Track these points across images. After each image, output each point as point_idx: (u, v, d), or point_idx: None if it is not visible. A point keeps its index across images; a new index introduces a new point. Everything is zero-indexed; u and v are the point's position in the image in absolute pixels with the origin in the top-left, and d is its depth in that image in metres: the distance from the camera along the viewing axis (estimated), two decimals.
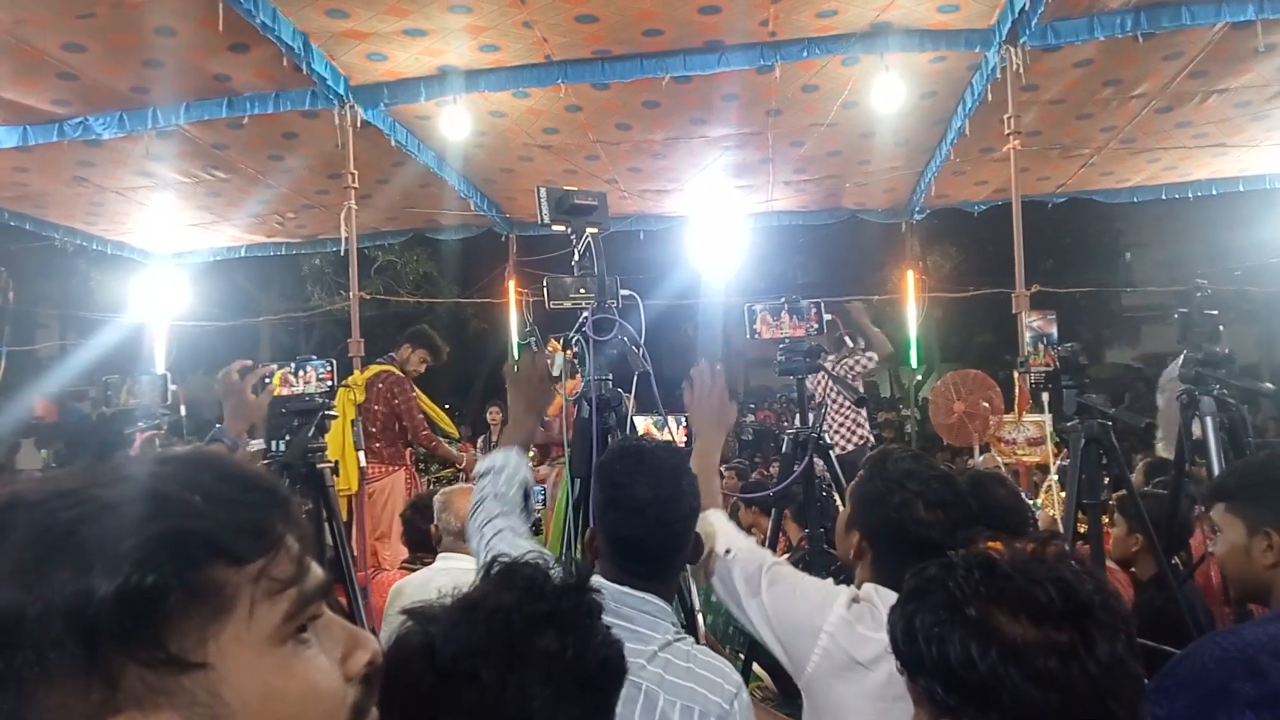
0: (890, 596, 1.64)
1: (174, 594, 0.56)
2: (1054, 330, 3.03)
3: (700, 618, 2.41)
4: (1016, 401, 6.52)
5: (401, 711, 0.99)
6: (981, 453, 7.10)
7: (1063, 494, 3.64)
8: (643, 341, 2.48)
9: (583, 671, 1.00)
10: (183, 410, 3.67)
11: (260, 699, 0.59)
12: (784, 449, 3.09)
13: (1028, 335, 3.10)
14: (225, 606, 0.58)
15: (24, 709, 0.53)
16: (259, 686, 0.59)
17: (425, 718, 0.98)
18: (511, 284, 10.02)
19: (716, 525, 1.94)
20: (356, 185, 6.66)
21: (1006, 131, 5.97)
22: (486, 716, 0.97)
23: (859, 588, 1.74)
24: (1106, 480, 3.00)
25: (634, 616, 1.60)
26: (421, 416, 5.61)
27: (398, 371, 5.69)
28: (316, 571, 0.66)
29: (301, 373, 2.84)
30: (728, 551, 1.86)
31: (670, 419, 2.92)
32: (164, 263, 10.06)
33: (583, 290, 2.44)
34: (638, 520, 1.67)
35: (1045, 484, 4.84)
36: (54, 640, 0.53)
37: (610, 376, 2.50)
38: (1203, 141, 7.72)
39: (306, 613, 0.63)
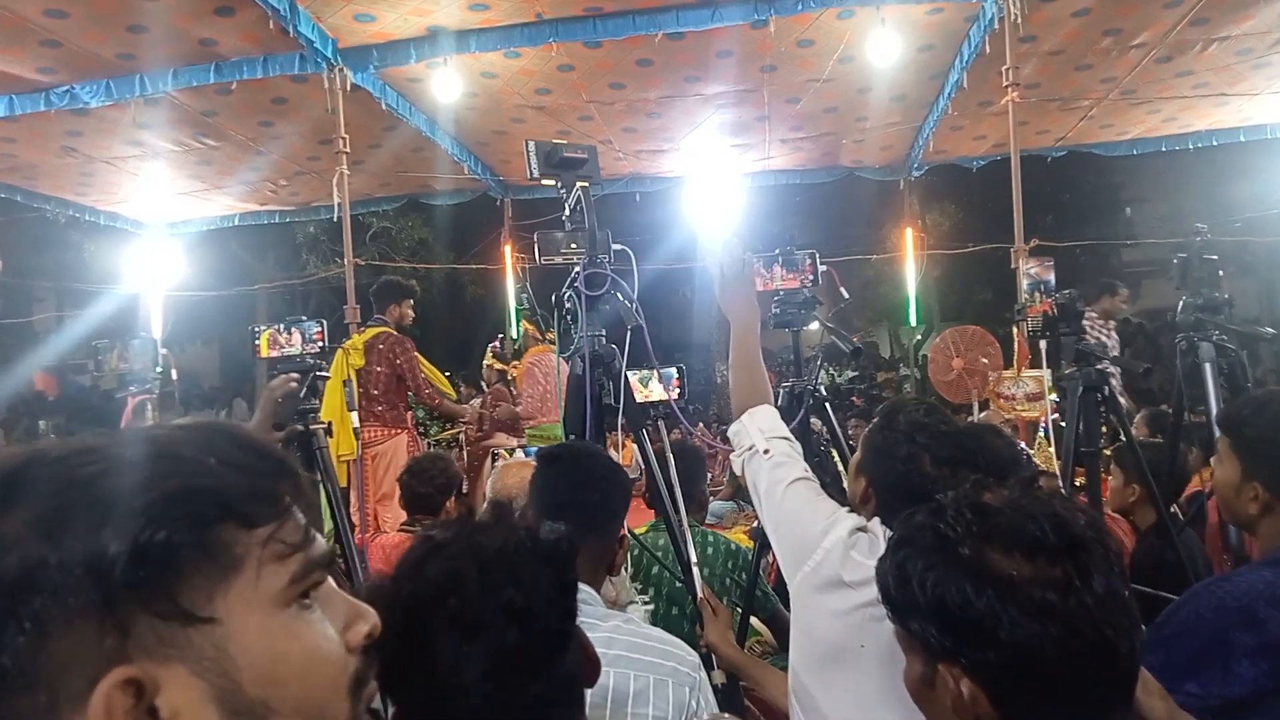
0: None
1: (186, 549, 0.58)
2: (1051, 277, 3.00)
3: (697, 571, 2.41)
4: (1015, 357, 6.50)
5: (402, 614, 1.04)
6: (981, 409, 7.09)
7: (1050, 450, 3.63)
8: (635, 296, 2.45)
9: (541, 546, 1.11)
10: (174, 375, 3.65)
11: (265, 657, 0.61)
12: (779, 402, 3.08)
13: (1025, 283, 3.07)
14: (234, 566, 0.61)
15: (42, 652, 0.55)
16: (264, 645, 0.61)
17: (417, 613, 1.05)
18: (507, 248, 9.98)
19: (761, 423, 1.95)
20: (348, 150, 6.61)
21: (1005, 84, 5.91)
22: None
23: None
24: (1104, 429, 2.99)
25: None
26: (424, 376, 5.61)
27: (395, 332, 5.66)
28: (321, 542, 0.68)
29: (291, 333, 2.82)
30: (766, 451, 1.88)
31: (657, 374, 2.89)
32: (158, 233, 10.02)
33: (574, 245, 2.42)
34: (569, 493, 1.80)
35: (1036, 439, 4.83)
36: (73, 588, 0.55)
37: (604, 332, 2.48)
38: (1203, 91, 7.63)
39: (311, 578, 0.66)
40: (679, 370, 3.08)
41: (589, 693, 1.41)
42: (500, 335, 8.15)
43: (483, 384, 8.33)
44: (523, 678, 1.05)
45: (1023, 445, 4.45)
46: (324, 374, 2.87)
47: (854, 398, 12.64)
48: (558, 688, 1.09)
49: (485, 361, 7.27)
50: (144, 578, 0.56)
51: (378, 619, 0.71)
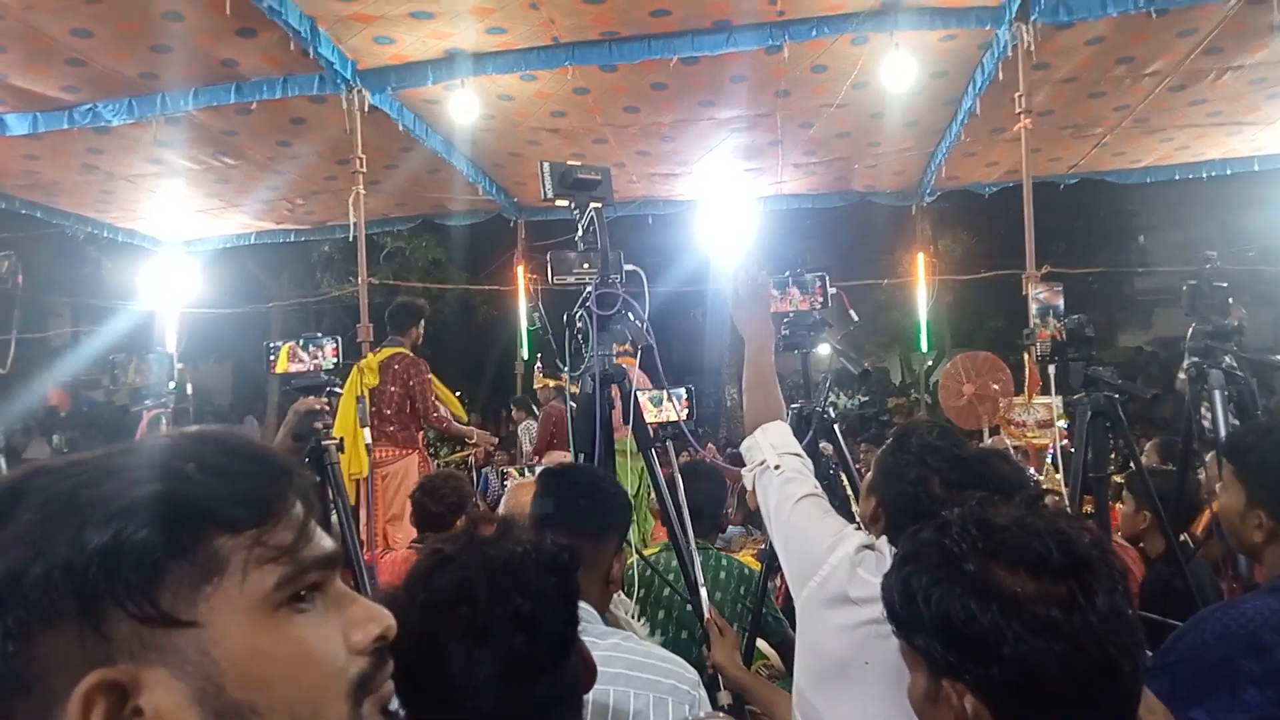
0: None
1: (160, 550, 0.59)
2: (1060, 302, 3.00)
3: (704, 593, 2.41)
4: (1026, 384, 6.49)
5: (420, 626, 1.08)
6: (991, 435, 7.08)
7: (1058, 476, 3.61)
8: (647, 316, 2.47)
9: (544, 557, 1.16)
10: (189, 390, 3.68)
11: (249, 660, 0.61)
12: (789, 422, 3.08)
13: (1034, 308, 3.07)
14: (217, 570, 0.61)
15: (30, 655, 0.57)
16: (249, 648, 0.62)
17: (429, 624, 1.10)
18: (520, 269, 10.03)
19: (773, 439, 1.96)
20: (365, 170, 6.68)
21: (1018, 110, 5.93)
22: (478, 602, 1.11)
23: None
24: (1113, 455, 2.98)
25: None
26: (435, 398, 5.65)
27: (411, 354, 5.72)
28: (321, 542, 0.68)
29: (309, 349, 2.85)
30: (777, 467, 1.90)
31: (668, 394, 2.91)
32: (175, 250, 10.11)
33: (586, 265, 2.44)
34: (565, 500, 1.85)
35: (1045, 466, 4.81)
36: (52, 593, 0.57)
37: (615, 352, 2.50)
38: (1217, 120, 7.64)
39: (303, 580, 0.66)
40: (688, 390, 3.09)
41: (589, 711, 1.42)
42: (540, 355, 8.25)
43: (533, 406, 8.41)
44: (530, 681, 1.09)
45: (1032, 471, 4.44)
46: (337, 390, 2.90)
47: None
48: (561, 691, 1.13)
49: (536, 385, 7.39)
50: (117, 581, 0.58)
51: (392, 621, 0.71)
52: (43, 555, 0.57)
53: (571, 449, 2.56)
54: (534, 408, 9.22)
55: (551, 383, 7.25)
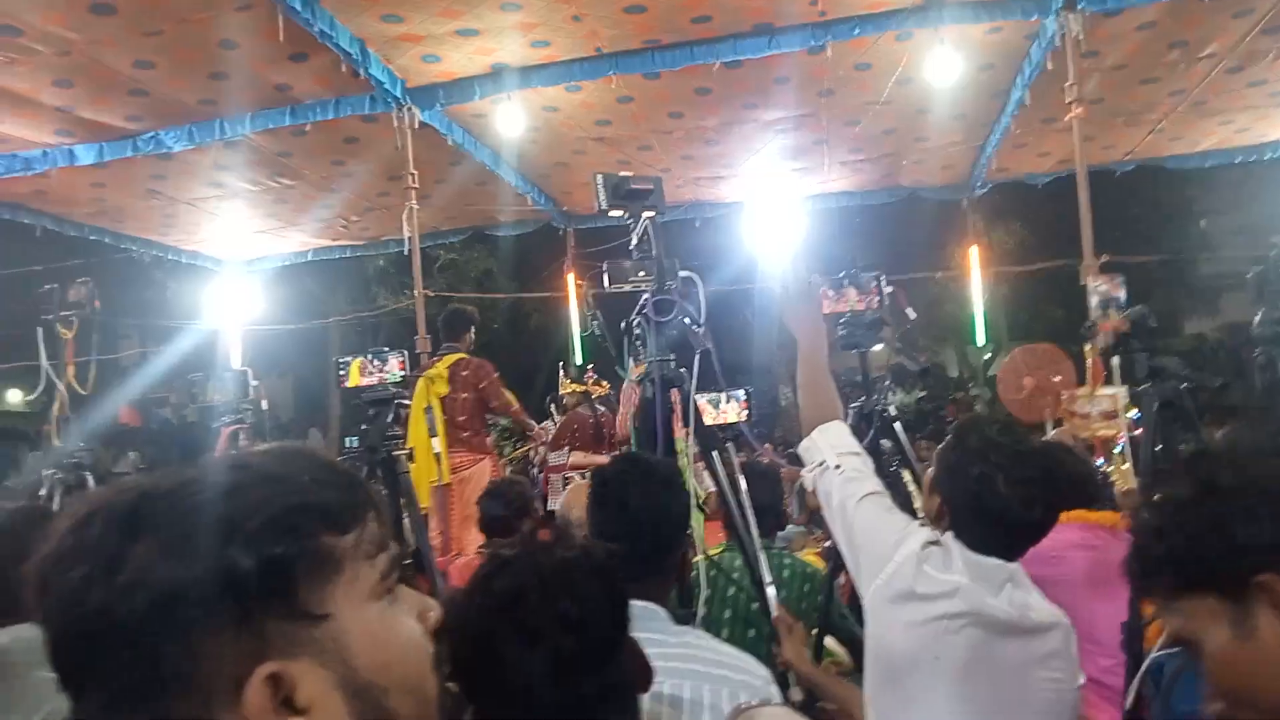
0: (969, 554, 1.67)
1: (302, 557, 0.67)
2: (1122, 294, 2.95)
3: (772, 591, 2.43)
4: (1089, 375, 6.36)
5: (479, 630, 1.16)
6: (1054, 428, 6.95)
7: (1126, 467, 3.56)
8: (703, 320, 2.51)
9: (593, 562, 1.24)
10: (264, 405, 3.80)
11: (373, 645, 0.70)
12: (848, 421, 3.09)
13: (1094, 299, 3.03)
14: (336, 568, 0.69)
15: (193, 659, 0.64)
16: (370, 634, 0.70)
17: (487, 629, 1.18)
18: (570, 277, 10.12)
19: (832, 439, 1.97)
20: (417, 186, 6.80)
21: (1068, 100, 5.84)
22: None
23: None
24: (1182, 446, 2.93)
25: (636, 625, 1.64)
26: (508, 394, 5.77)
27: (473, 357, 5.85)
28: (394, 544, 0.77)
29: (379, 363, 2.94)
30: (838, 467, 1.91)
31: (727, 396, 2.93)
32: (236, 270, 10.39)
33: (642, 273, 2.49)
34: (623, 519, 1.81)
35: (1115, 457, 4.72)
36: (213, 601, 0.64)
37: (673, 357, 2.53)
38: (1279, 100, 7.44)
39: (395, 574, 0.74)
40: (746, 392, 3.11)
41: (664, 704, 1.47)
42: (562, 362, 8.29)
43: (554, 408, 8.42)
44: (579, 679, 1.17)
45: (1101, 461, 4.37)
46: (405, 403, 2.98)
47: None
48: (611, 688, 1.20)
49: (562, 390, 7.40)
50: (271, 587, 0.65)
51: (439, 607, 0.80)
52: (195, 568, 0.64)
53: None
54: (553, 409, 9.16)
55: (578, 389, 7.22)
